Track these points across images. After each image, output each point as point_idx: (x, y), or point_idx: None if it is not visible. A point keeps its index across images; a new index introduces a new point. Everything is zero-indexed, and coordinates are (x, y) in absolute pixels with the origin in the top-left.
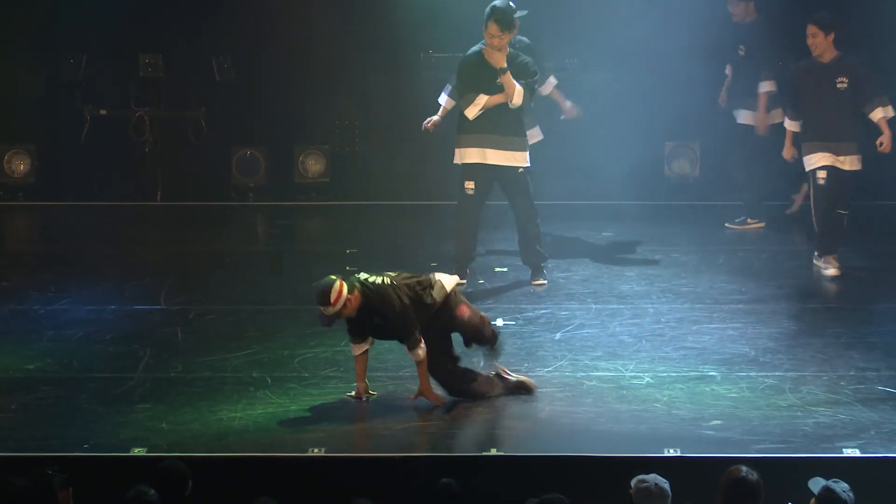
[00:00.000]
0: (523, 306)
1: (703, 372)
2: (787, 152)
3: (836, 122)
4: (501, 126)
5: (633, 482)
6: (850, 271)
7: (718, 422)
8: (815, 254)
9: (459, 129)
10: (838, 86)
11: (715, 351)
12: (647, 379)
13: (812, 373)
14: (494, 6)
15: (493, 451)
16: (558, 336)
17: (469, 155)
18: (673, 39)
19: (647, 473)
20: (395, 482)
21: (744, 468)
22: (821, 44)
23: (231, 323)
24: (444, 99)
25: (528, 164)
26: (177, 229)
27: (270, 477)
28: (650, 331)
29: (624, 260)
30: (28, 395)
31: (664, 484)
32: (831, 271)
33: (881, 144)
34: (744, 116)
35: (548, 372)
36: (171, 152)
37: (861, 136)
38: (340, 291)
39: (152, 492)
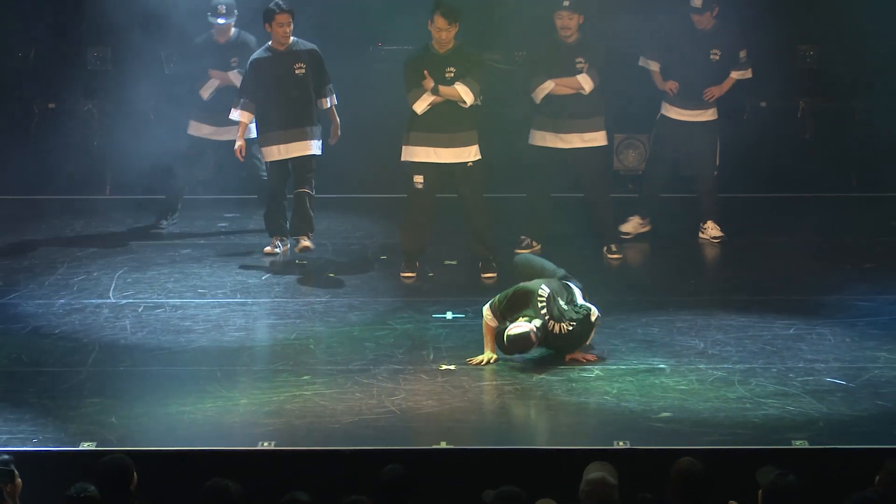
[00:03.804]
0: (473, 299)
1: (652, 364)
2: None
3: None
4: (450, 122)
5: (584, 478)
6: (798, 263)
7: (668, 414)
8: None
9: (408, 127)
10: None
11: (664, 343)
12: (597, 371)
13: (761, 365)
14: None
15: (444, 444)
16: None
17: (417, 154)
18: (621, 30)
19: (597, 467)
20: (344, 475)
21: (692, 460)
22: None
23: (180, 316)
24: (236, 114)
25: (479, 157)
26: (126, 223)
27: (220, 471)
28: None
29: (573, 252)
30: None
31: (611, 478)
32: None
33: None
34: None
35: (498, 365)
36: (120, 145)
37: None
38: (533, 339)
39: (92, 488)
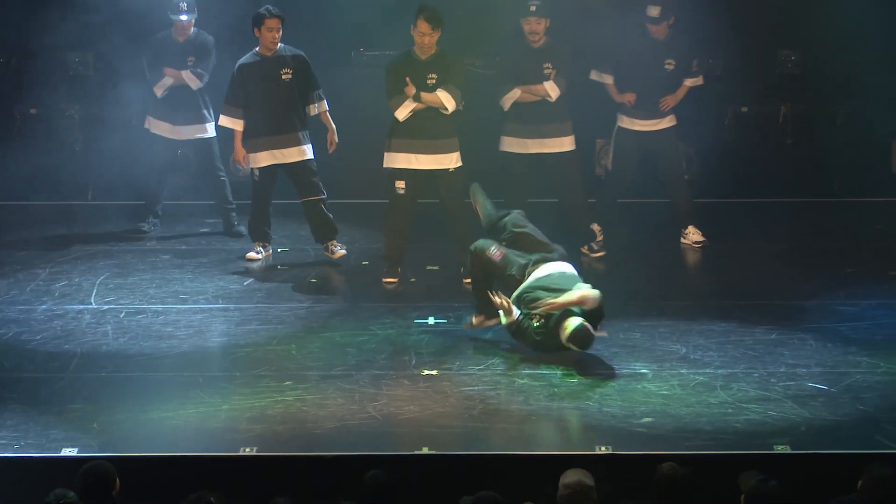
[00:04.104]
0: (455, 304)
1: (634, 369)
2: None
3: None
4: (431, 129)
5: (561, 483)
6: (780, 268)
7: (650, 419)
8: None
9: (389, 133)
10: None
11: (646, 348)
12: (579, 377)
13: (743, 370)
14: (423, 4)
15: (426, 450)
16: (490, 334)
17: (398, 160)
18: (598, 33)
19: (573, 472)
20: (326, 481)
21: (674, 465)
22: None
23: (162, 322)
24: (227, 121)
25: (461, 164)
26: (108, 228)
27: (202, 477)
28: None
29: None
30: None
31: (588, 480)
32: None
33: None
34: None
35: (479, 370)
36: (101, 151)
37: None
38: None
39: (72, 494)
